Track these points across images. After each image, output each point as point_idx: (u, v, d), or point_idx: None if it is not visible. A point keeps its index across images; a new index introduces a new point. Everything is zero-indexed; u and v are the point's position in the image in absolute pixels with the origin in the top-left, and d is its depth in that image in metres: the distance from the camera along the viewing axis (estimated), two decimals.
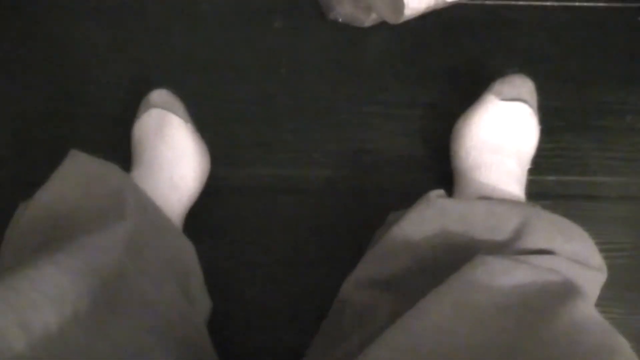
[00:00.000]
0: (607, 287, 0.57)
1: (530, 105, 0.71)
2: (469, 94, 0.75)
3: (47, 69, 0.83)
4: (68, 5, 0.86)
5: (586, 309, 0.46)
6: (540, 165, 0.75)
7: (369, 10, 0.80)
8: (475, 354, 0.43)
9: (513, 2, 0.87)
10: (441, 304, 0.46)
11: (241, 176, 0.77)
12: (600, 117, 0.81)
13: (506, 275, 0.48)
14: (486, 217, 0.57)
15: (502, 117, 0.70)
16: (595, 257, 0.57)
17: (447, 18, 0.83)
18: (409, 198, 0.62)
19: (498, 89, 0.71)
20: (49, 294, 0.42)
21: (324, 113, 0.81)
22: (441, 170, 0.75)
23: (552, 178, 0.78)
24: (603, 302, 0.57)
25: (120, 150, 0.74)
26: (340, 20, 0.83)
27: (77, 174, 0.60)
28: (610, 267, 0.58)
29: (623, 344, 0.43)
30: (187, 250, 0.64)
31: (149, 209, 0.61)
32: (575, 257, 0.54)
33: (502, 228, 0.56)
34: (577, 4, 0.87)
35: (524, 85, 0.72)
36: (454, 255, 0.55)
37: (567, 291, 0.48)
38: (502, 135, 0.68)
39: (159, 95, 0.72)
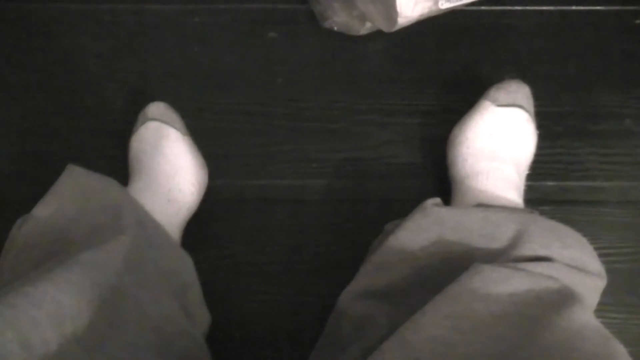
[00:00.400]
0: (608, 291, 0.57)
1: (527, 111, 0.71)
2: (466, 101, 0.75)
3: (43, 83, 0.83)
4: (65, 20, 0.86)
5: (584, 316, 0.46)
6: (539, 170, 0.75)
7: (363, 19, 0.80)
8: None
9: (509, 8, 0.87)
10: (438, 315, 0.46)
11: (239, 187, 0.77)
12: (599, 121, 0.80)
13: (503, 284, 0.48)
14: (483, 225, 0.57)
15: (499, 123, 0.69)
16: (594, 263, 0.56)
17: (442, 24, 0.83)
18: (407, 207, 0.62)
19: (494, 95, 0.71)
20: (48, 311, 0.43)
21: (320, 122, 0.81)
22: (439, 177, 0.75)
23: (551, 183, 0.77)
24: (603, 307, 0.57)
25: (117, 163, 0.74)
26: (335, 29, 0.83)
27: (75, 189, 0.60)
28: (611, 272, 0.58)
29: (620, 351, 0.43)
30: (186, 264, 0.64)
31: (147, 223, 0.61)
32: (573, 263, 0.54)
33: (499, 236, 0.56)
34: (573, 7, 0.87)
35: (520, 91, 0.72)
36: (451, 264, 0.55)
37: (564, 298, 0.48)
38: (498, 141, 0.68)
39: (156, 108, 0.72)
